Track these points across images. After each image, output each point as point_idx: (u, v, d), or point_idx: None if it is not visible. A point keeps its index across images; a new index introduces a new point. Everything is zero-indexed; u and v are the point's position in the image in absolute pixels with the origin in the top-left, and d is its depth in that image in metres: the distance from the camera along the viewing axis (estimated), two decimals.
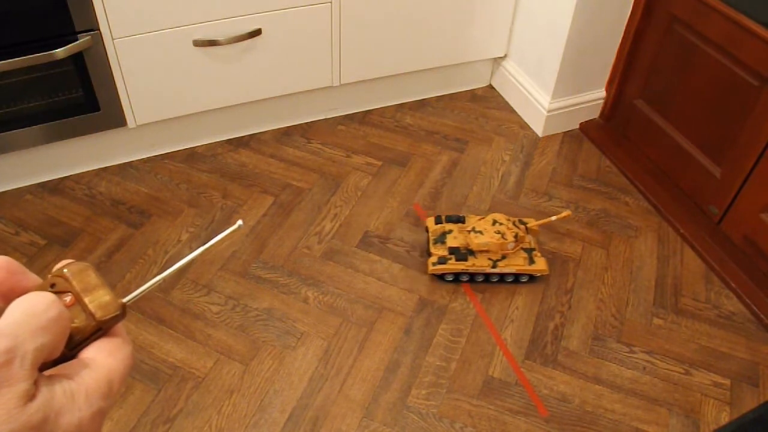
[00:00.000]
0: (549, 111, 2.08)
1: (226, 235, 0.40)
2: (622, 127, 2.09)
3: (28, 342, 0.28)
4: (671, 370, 1.51)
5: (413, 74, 2.18)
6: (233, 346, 1.50)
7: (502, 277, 1.65)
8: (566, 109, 2.11)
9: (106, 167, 1.94)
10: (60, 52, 1.59)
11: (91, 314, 0.32)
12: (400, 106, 2.24)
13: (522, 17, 2.11)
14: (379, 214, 1.83)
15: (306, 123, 2.14)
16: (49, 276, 0.33)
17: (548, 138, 2.14)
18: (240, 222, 0.42)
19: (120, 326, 0.34)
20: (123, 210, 1.81)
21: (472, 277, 1.65)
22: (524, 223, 1.68)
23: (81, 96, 1.72)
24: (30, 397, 0.27)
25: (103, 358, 0.32)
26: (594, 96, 2.13)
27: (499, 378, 1.47)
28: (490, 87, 2.35)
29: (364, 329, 1.55)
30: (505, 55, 2.24)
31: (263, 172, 1.95)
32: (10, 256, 1.52)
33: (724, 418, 1.43)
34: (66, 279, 0.33)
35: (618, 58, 2.03)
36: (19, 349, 0.27)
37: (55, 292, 0.32)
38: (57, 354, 0.31)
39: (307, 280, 1.65)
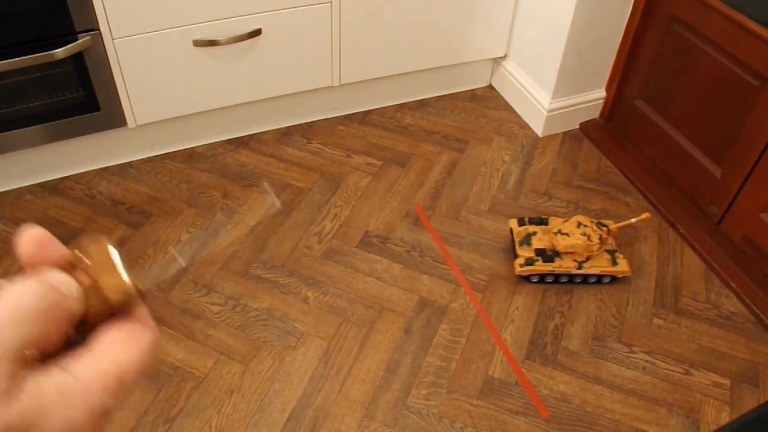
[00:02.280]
0: (549, 111, 2.08)
1: (263, 217, 0.36)
2: (622, 127, 2.09)
3: (8, 336, 0.25)
4: (671, 370, 1.51)
5: (413, 74, 2.18)
6: (233, 346, 1.50)
7: (585, 278, 1.66)
8: (566, 109, 2.11)
9: (106, 167, 1.94)
10: (60, 52, 1.59)
11: (104, 297, 0.30)
12: (400, 106, 2.24)
13: (522, 17, 2.10)
14: (379, 214, 1.83)
15: (306, 123, 2.14)
16: (69, 251, 0.31)
17: (548, 138, 2.14)
18: (277, 203, 0.38)
19: (142, 311, 0.31)
20: (123, 210, 1.81)
21: (557, 278, 1.66)
22: (605, 225, 1.69)
23: (81, 96, 1.72)
24: (8, 395, 0.25)
25: (111, 346, 0.29)
26: (594, 96, 2.13)
27: (499, 378, 1.47)
28: (490, 87, 2.35)
29: (364, 329, 1.55)
30: (505, 55, 2.24)
31: (263, 172, 1.95)
32: (10, 257, 1.51)
33: (724, 418, 1.43)
34: (83, 256, 0.30)
35: (618, 58, 2.03)
36: None
37: (71, 270, 0.30)
38: (49, 344, 0.28)
39: (307, 280, 1.65)
